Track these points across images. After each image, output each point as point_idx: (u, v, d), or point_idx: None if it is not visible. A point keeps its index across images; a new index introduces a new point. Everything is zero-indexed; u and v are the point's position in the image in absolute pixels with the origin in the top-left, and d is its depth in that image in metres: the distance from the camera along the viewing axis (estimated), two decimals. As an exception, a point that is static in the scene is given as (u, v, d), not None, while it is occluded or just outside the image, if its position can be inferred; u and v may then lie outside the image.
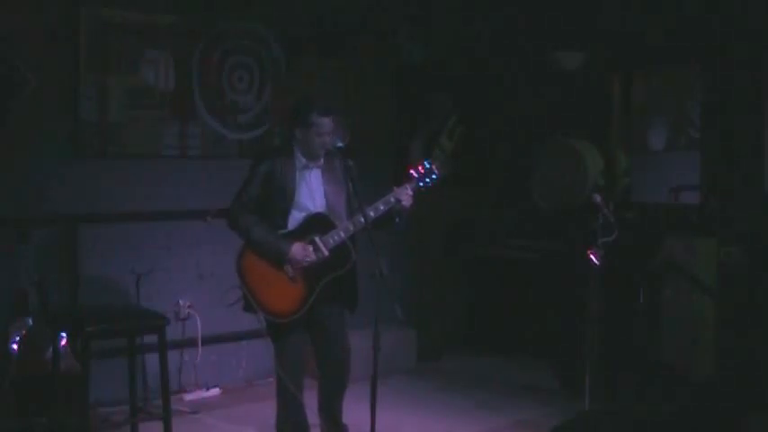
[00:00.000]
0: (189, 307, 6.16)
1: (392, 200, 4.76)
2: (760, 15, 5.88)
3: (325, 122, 4.77)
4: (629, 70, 6.85)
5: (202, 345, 6.18)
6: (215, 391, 6.26)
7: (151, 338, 5.16)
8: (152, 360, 5.43)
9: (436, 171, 4.81)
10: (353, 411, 4.93)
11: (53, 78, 5.63)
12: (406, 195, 4.76)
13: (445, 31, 7.39)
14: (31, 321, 5.36)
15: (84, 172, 5.78)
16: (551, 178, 6.51)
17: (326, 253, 4.72)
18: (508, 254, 7.16)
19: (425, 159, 4.94)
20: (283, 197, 4.78)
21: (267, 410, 5.15)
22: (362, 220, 4.60)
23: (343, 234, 4.73)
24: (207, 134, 6.31)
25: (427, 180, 4.81)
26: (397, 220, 4.74)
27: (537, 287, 6.79)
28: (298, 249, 4.71)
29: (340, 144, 4.76)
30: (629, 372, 6.10)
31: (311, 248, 4.72)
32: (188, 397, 6.08)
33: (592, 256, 5.11)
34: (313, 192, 4.84)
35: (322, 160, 4.86)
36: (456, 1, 7.31)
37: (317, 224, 4.77)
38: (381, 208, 4.75)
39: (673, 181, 6.83)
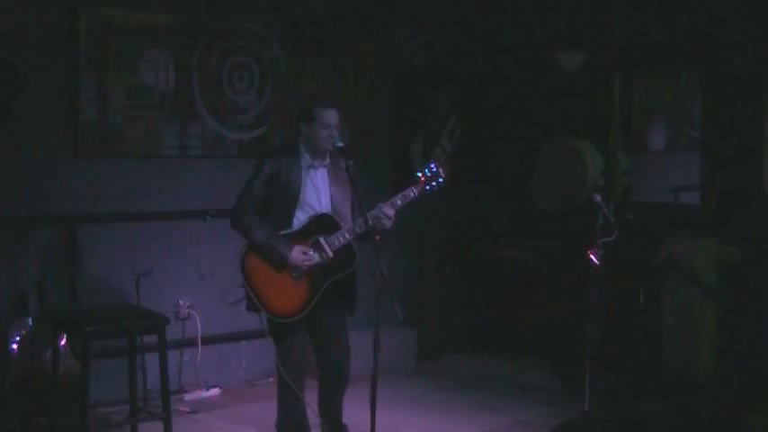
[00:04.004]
0: (189, 307, 6.16)
1: (411, 194, 4.78)
2: (760, 15, 5.88)
3: (330, 114, 4.77)
4: (629, 70, 6.85)
5: (202, 345, 6.18)
6: (215, 391, 6.26)
7: (151, 338, 5.16)
8: (152, 360, 5.43)
9: (443, 174, 4.82)
10: (353, 411, 4.93)
11: (53, 78, 5.64)
12: (412, 195, 4.79)
13: (445, 31, 7.39)
14: (31, 321, 5.37)
15: (84, 172, 5.78)
16: (551, 178, 6.51)
17: (331, 254, 4.72)
18: (508, 253, 7.16)
19: (432, 162, 4.94)
20: (288, 196, 4.78)
21: (267, 410, 5.15)
22: (362, 222, 4.61)
23: (347, 235, 4.72)
24: (207, 134, 6.31)
25: (434, 184, 4.82)
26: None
27: (537, 287, 6.79)
28: (296, 254, 4.70)
29: (340, 144, 4.76)
30: (629, 371, 6.10)
31: (312, 252, 4.72)
32: (188, 397, 6.08)
33: (592, 256, 5.11)
34: (319, 191, 4.83)
35: (328, 160, 4.86)
36: (456, 1, 7.31)
37: (321, 225, 4.77)
38: (399, 203, 4.77)
39: (673, 181, 6.83)
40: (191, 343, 6.17)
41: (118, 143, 5.93)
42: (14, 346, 5.29)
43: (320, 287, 4.73)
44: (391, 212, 4.73)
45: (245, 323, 5.35)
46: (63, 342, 5.20)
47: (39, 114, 5.58)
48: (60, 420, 5.07)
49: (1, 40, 5.43)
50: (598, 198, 5.22)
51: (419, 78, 7.34)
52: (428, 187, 4.83)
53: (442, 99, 7.38)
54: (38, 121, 5.59)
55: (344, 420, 5.02)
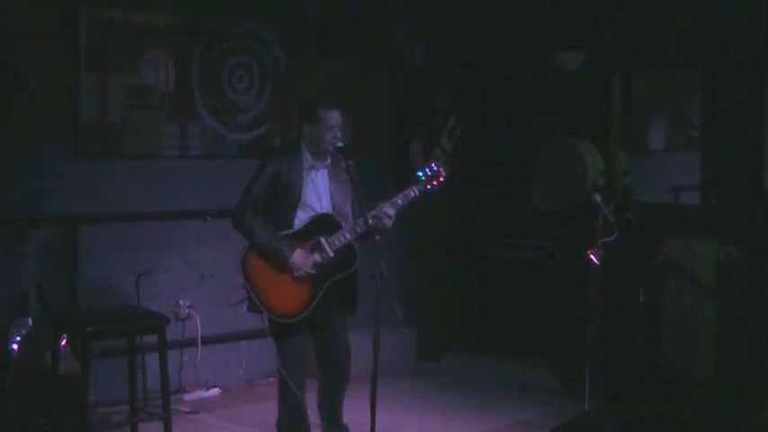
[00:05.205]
0: (189, 307, 6.17)
1: (412, 194, 4.78)
2: (761, 15, 5.88)
3: (334, 115, 4.78)
4: (629, 70, 6.85)
5: (202, 345, 6.18)
6: (215, 391, 6.26)
7: (151, 338, 5.16)
8: (152, 360, 5.43)
9: (443, 174, 4.81)
10: (353, 411, 4.94)
11: (53, 78, 5.64)
12: (413, 195, 4.79)
13: (445, 31, 7.38)
14: (31, 321, 5.36)
15: (84, 172, 5.78)
16: (551, 178, 6.50)
17: (332, 254, 4.72)
18: (508, 253, 7.15)
19: (433, 161, 4.93)
20: (289, 197, 4.78)
21: (267, 410, 5.16)
22: (363, 222, 4.61)
23: (348, 235, 4.72)
24: (207, 134, 6.31)
25: (434, 183, 4.82)
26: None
27: (537, 287, 6.79)
28: (298, 257, 4.70)
29: (340, 144, 4.76)
30: (629, 372, 6.10)
31: (315, 256, 4.72)
32: (188, 397, 6.09)
33: (592, 256, 5.11)
34: (319, 192, 4.84)
35: (329, 160, 4.86)
36: (456, 1, 7.31)
37: (322, 225, 4.77)
38: (399, 202, 4.76)
39: (673, 181, 6.83)
40: (191, 343, 6.17)
41: (118, 143, 5.93)
42: (14, 346, 5.29)
43: (321, 287, 4.73)
44: (392, 212, 4.73)
45: (245, 323, 5.35)
46: (63, 342, 5.19)
47: (39, 114, 5.58)
48: (60, 420, 5.07)
49: (1, 40, 5.43)
50: (598, 198, 5.22)
51: (419, 78, 7.34)
52: (429, 187, 4.83)
53: (442, 99, 7.38)
54: (38, 121, 5.59)
55: (344, 420, 5.02)
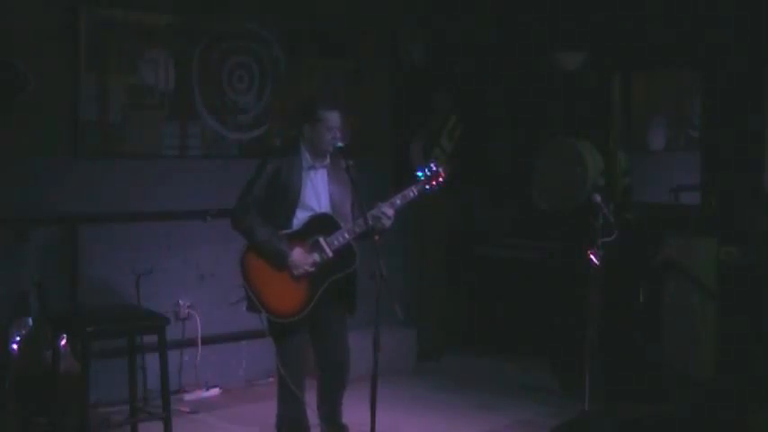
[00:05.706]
0: (189, 307, 6.17)
1: (411, 194, 4.78)
2: (761, 15, 5.88)
3: (334, 116, 4.79)
4: (629, 70, 6.85)
5: (202, 345, 6.18)
6: (215, 391, 6.26)
7: (151, 338, 5.16)
8: (152, 360, 5.43)
9: (443, 174, 4.81)
10: (353, 411, 4.94)
11: (53, 78, 5.64)
12: (412, 195, 4.79)
13: (445, 31, 7.39)
14: (31, 321, 5.36)
15: (84, 172, 5.78)
16: (551, 178, 6.50)
17: (330, 254, 4.72)
18: (508, 253, 7.16)
19: (432, 161, 4.93)
20: (288, 197, 4.79)
21: (267, 410, 5.15)
22: (362, 222, 4.62)
23: (347, 235, 4.72)
24: (207, 134, 6.31)
25: (434, 183, 4.82)
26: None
27: (536, 287, 6.79)
28: (298, 255, 4.71)
29: (340, 144, 4.77)
30: (629, 372, 6.10)
31: (314, 255, 4.72)
32: (188, 397, 6.08)
33: (592, 256, 5.12)
34: (318, 192, 4.84)
35: (328, 160, 4.87)
36: (456, 1, 7.31)
37: (321, 224, 4.77)
38: (398, 202, 4.76)
39: (673, 181, 6.83)
40: (191, 343, 6.17)
41: (118, 143, 5.93)
42: (14, 346, 5.29)
43: (320, 287, 4.74)
44: (391, 212, 4.73)
45: (245, 323, 5.35)
46: (63, 342, 5.19)
47: (39, 114, 5.58)
48: (60, 420, 5.07)
49: (1, 40, 5.43)
50: (598, 198, 5.22)
51: (419, 78, 7.34)
52: (428, 187, 4.83)
53: (442, 99, 7.38)
54: (38, 121, 5.59)
55: (344, 420, 5.02)
